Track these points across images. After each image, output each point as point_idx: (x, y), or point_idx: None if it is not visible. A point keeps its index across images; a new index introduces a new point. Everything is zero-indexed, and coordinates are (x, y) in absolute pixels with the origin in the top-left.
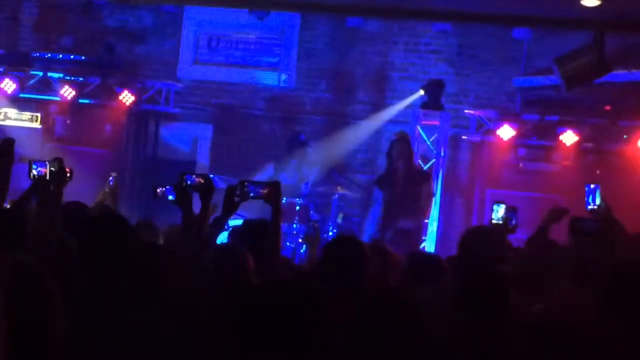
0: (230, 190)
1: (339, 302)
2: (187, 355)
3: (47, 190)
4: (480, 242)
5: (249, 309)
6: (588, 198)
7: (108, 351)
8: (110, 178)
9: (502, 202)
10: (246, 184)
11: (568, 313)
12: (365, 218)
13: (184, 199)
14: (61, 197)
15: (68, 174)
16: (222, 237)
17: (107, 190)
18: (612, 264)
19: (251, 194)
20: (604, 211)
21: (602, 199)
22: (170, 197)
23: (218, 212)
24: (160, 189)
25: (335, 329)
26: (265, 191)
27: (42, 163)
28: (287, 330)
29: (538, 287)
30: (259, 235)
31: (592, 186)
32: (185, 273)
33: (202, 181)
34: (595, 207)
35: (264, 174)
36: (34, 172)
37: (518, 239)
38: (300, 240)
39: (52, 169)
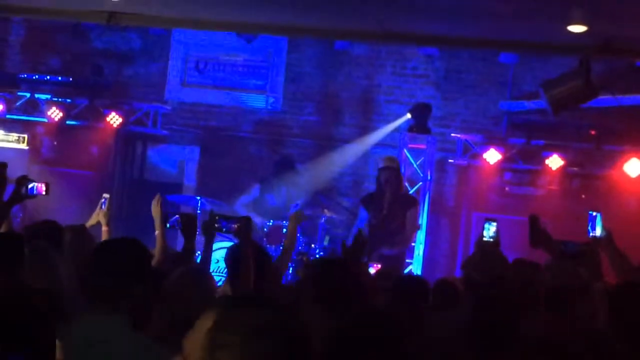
0: (205, 226)
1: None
2: None
3: None
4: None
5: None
6: (589, 225)
7: None
8: (103, 200)
9: (494, 220)
10: (217, 218)
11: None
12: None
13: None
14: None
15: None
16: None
17: (99, 212)
18: (616, 286)
19: (223, 229)
20: (604, 239)
21: (604, 227)
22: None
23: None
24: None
25: (308, 344)
26: (236, 226)
27: None
28: (259, 344)
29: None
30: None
31: (593, 214)
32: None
33: (186, 219)
34: (595, 234)
35: (250, 196)
36: None
37: None
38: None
39: None
